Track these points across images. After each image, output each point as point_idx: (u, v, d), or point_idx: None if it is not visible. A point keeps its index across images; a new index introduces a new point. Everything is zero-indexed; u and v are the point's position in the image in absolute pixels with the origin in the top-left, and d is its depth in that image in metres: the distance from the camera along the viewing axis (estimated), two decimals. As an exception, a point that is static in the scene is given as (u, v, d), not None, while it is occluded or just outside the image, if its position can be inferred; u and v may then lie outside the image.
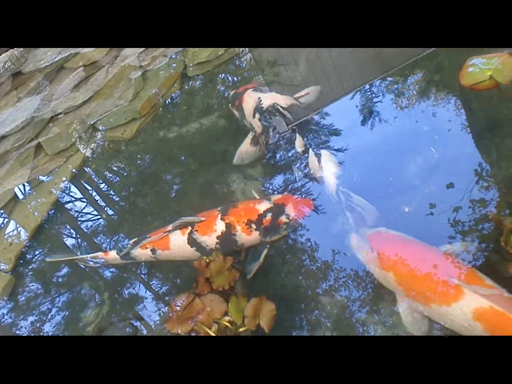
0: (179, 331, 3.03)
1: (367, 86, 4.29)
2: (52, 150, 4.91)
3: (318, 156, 3.78)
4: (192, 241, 3.46)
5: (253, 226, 3.41)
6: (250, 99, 4.22)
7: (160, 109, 5.04)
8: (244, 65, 5.19)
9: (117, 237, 4.16)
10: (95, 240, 4.25)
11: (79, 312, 3.75)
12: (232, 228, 3.42)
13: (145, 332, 3.30)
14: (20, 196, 4.68)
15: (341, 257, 3.28)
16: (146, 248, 3.58)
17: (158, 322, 3.32)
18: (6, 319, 3.92)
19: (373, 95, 4.20)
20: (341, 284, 3.15)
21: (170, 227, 3.56)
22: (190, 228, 3.47)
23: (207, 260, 3.20)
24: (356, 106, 4.16)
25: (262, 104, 4.11)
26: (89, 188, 4.75)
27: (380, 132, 3.93)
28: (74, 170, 4.76)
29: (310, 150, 3.87)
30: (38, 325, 3.83)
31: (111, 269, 3.88)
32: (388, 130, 3.92)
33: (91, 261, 3.83)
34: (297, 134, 3.99)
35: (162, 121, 4.87)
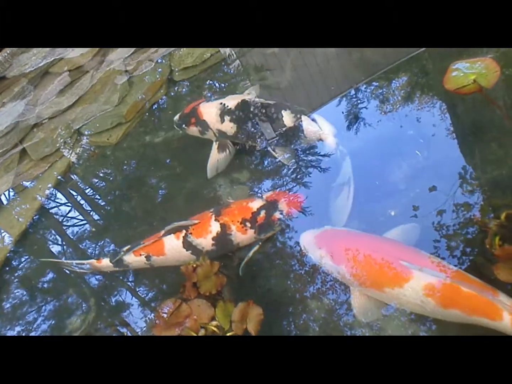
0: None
1: (352, 91, 4.34)
2: (37, 156, 4.90)
3: (313, 119, 3.98)
4: (187, 245, 3.48)
5: (248, 224, 3.46)
6: (210, 109, 4.17)
7: (146, 114, 5.06)
8: (231, 71, 5.20)
9: (103, 242, 4.17)
10: (81, 246, 4.25)
11: (65, 318, 3.75)
12: (227, 228, 3.45)
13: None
14: (4, 202, 4.66)
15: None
16: (141, 255, 3.56)
17: (145, 328, 3.33)
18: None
19: (358, 100, 4.24)
20: (328, 287, 3.17)
21: (161, 233, 3.57)
22: (184, 231, 3.48)
23: (194, 265, 3.21)
24: (342, 112, 4.20)
25: (228, 106, 4.09)
26: (75, 193, 4.76)
27: (365, 136, 3.98)
28: (59, 176, 4.76)
29: (304, 116, 3.98)
30: (23, 333, 3.81)
31: (97, 276, 3.87)
32: (372, 135, 3.97)
33: (80, 267, 3.83)
34: (286, 110, 4.03)
35: (148, 126, 4.90)
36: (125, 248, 3.64)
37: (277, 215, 3.49)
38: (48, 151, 4.91)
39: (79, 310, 3.76)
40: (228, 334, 2.96)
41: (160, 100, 5.15)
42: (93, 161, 4.83)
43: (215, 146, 4.12)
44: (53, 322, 3.80)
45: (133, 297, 3.65)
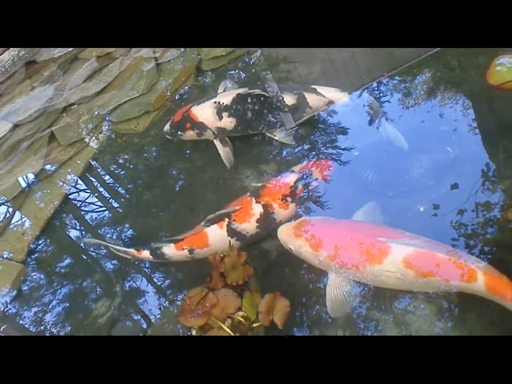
0: (193, 325, 3.08)
1: (375, 84, 4.37)
2: (66, 141, 4.97)
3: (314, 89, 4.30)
4: (232, 232, 3.56)
5: (289, 199, 3.63)
6: (204, 110, 4.32)
7: (173, 102, 5.08)
8: (252, 61, 5.23)
9: (123, 228, 4.23)
10: (102, 232, 4.32)
11: (91, 303, 3.81)
12: (269, 207, 3.60)
13: (158, 325, 3.34)
14: (32, 186, 4.73)
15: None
16: (183, 249, 3.61)
17: (171, 315, 3.37)
18: (15, 309, 3.99)
19: (382, 94, 4.27)
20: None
21: (202, 224, 3.64)
22: (226, 219, 3.55)
23: (222, 255, 3.25)
24: (364, 105, 4.23)
25: (223, 103, 4.23)
26: (101, 179, 4.82)
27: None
28: (86, 161, 4.82)
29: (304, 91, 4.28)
30: (48, 317, 3.90)
31: (124, 262, 3.93)
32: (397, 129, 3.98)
33: (124, 254, 3.86)
34: (284, 92, 4.28)
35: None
36: (163, 241, 3.70)
37: (313, 183, 3.70)
38: (77, 137, 4.98)
39: (104, 296, 3.82)
40: (254, 325, 3.01)
41: (187, 89, 5.17)
42: (120, 148, 4.88)
43: (218, 142, 4.31)
44: (79, 306, 3.87)
45: (160, 284, 3.70)
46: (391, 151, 3.85)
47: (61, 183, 4.73)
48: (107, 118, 5.12)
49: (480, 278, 2.77)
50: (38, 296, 4.05)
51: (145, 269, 3.87)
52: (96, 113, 5.12)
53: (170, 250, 3.65)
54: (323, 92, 4.27)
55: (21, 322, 3.92)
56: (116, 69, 5.42)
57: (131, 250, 3.78)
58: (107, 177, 4.84)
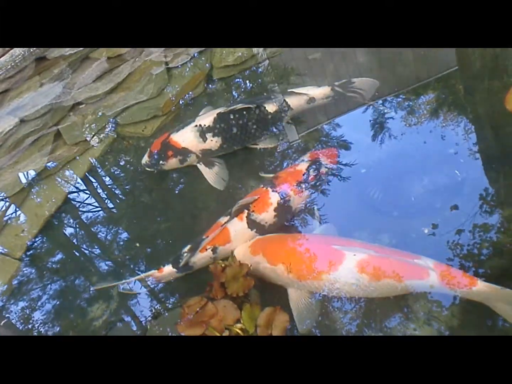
0: (190, 334, 3.07)
1: (380, 101, 4.44)
2: (71, 140, 4.99)
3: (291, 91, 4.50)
4: (252, 223, 3.65)
5: (303, 186, 3.81)
6: (185, 135, 4.36)
7: (182, 108, 5.10)
8: (259, 70, 5.27)
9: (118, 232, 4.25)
10: (103, 234, 4.32)
11: (87, 306, 3.80)
12: (286, 195, 3.73)
13: (154, 332, 3.33)
14: (34, 184, 4.74)
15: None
16: (206, 249, 3.61)
17: (169, 323, 3.36)
18: (9, 305, 3.98)
19: (386, 111, 4.34)
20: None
21: (223, 220, 3.67)
22: (246, 211, 3.63)
23: (223, 265, 3.25)
24: (369, 120, 4.31)
25: (205, 125, 4.30)
26: (103, 181, 4.82)
27: (389, 149, 4.10)
28: (90, 162, 4.83)
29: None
30: (39, 316, 3.91)
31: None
32: (397, 148, 4.08)
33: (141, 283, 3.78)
34: (265, 102, 4.42)
35: (183, 120, 4.91)
36: (186, 249, 3.66)
37: (323, 169, 3.89)
38: (82, 137, 5.01)
39: (101, 298, 3.81)
40: (252, 338, 3.00)
41: (197, 96, 5.19)
42: (126, 151, 4.89)
43: (202, 166, 4.34)
44: (74, 307, 3.87)
45: (159, 291, 3.69)
46: (398, 170, 3.90)
47: (64, 182, 4.75)
48: (114, 120, 5.13)
49: (431, 273, 2.94)
50: (31, 294, 4.06)
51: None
52: (103, 114, 5.13)
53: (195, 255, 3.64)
54: (302, 91, 4.45)
55: (11, 318, 3.90)
56: (126, 71, 5.45)
57: (152, 272, 3.70)
58: (108, 179, 4.83)
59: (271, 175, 4.01)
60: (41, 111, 5.00)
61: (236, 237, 3.63)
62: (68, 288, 4.05)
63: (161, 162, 4.37)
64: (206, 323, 3.09)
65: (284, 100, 4.43)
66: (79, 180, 4.78)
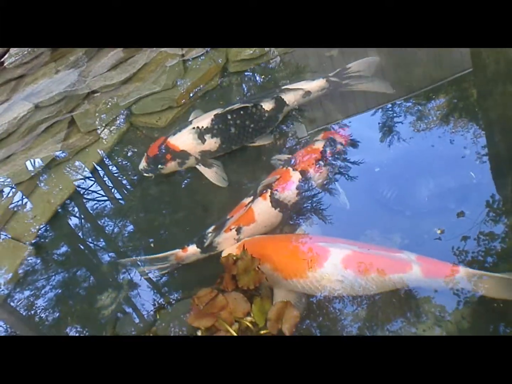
0: (199, 326, 3.08)
1: (389, 105, 4.44)
2: (85, 128, 5.03)
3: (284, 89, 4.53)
4: (275, 202, 3.74)
5: (321, 163, 3.92)
6: (183, 138, 4.36)
7: (197, 100, 5.12)
8: (270, 66, 5.28)
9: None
10: (113, 224, 4.35)
11: (96, 294, 3.83)
12: (306, 173, 3.86)
13: (163, 324, 3.34)
14: (47, 170, 4.77)
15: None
16: (231, 229, 3.68)
17: (178, 313, 3.36)
18: (20, 292, 4.02)
19: (395, 114, 4.35)
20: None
21: (247, 201, 3.75)
22: (269, 190, 3.72)
23: (235, 258, 3.26)
24: (378, 122, 4.32)
25: (202, 127, 4.32)
26: (114, 170, 4.85)
27: (399, 152, 4.08)
28: (103, 150, 4.86)
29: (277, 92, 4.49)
30: (51, 304, 3.94)
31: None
32: (405, 149, 4.07)
33: (162, 262, 3.77)
34: (261, 100, 4.42)
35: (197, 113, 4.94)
36: (210, 229, 3.70)
37: (339, 146, 4.04)
38: (96, 125, 5.04)
39: (110, 287, 3.83)
40: (262, 332, 3.01)
41: (212, 89, 5.20)
42: (139, 141, 4.92)
43: (202, 167, 4.35)
44: (84, 295, 3.90)
45: (168, 281, 3.71)
46: (412, 170, 3.90)
47: (76, 170, 4.76)
48: (128, 110, 5.17)
49: (414, 266, 3.02)
50: (39, 280, 4.09)
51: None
52: (117, 103, 5.16)
53: (219, 234, 3.70)
54: (297, 86, 4.51)
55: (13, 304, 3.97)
56: (141, 62, 5.48)
57: (175, 251, 3.73)
58: (120, 169, 4.85)
59: (286, 156, 4.12)
60: (55, 98, 5.05)
61: (260, 217, 3.71)
62: (77, 276, 4.07)
63: (159, 166, 4.37)
64: (216, 315, 3.09)
65: (280, 97, 4.47)
66: (91, 169, 4.81)
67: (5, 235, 4.31)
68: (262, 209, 3.72)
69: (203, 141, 4.30)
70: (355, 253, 3.14)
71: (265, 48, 5.34)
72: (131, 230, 4.30)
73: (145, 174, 4.45)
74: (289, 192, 3.78)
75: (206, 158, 4.36)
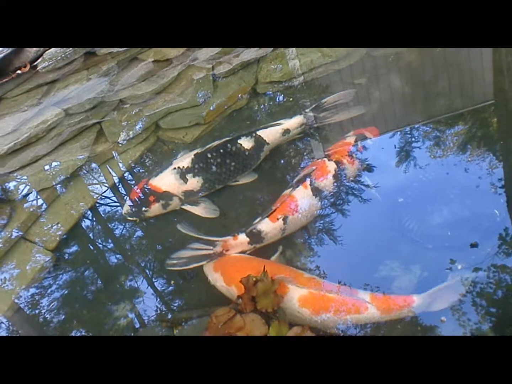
0: (216, 344, 3.12)
1: (408, 129, 4.58)
2: (113, 138, 5.16)
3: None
4: (315, 191, 3.98)
5: (354, 155, 4.23)
6: (166, 179, 4.37)
7: (224, 119, 5.20)
8: (307, 91, 5.37)
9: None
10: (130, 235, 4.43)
11: (113, 304, 3.89)
12: (341, 163, 4.15)
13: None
14: (73, 178, 4.86)
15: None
16: (277, 219, 3.82)
17: (195, 330, 3.40)
18: (38, 297, 4.08)
19: (413, 139, 4.45)
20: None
21: (288, 192, 3.94)
22: (308, 180, 3.98)
23: (255, 279, 3.30)
24: (395, 146, 4.42)
25: (183, 167, 4.36)
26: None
27: (433, 179, 4.11)
28: (128, 161, 4.96)
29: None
30: (66, 310, 3.98)
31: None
32: (437, 178, 4.09)
33: (208, 248, 3.87)
34: (240, 138, 4.52)
35: (224, 131, 5.05)
36: (258, 220, 3.85)
37: (369, 141, 4.37)
38: (124, 136, 5.14)
39: (127, 299, 3.89)
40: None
41: (240, 108, 5.29)
42: (164, 156, 5.01)
43: (188, 206, 4.35)
44: (100, 304, 3.96)
45: (187, 297, 3.75)
46: (438, 202, 3.91)
47: (100, 180, 4.85)
48: (156, 123, 5.28)
49: (370, 307, 3.16)
50: (57, 287, 4.14)
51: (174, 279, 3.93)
52: (146, 116, 5.28)
53: (265, 225, 3.82)
54: (275, 124, 4.63)
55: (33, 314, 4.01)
56: (170, 75, 5.57)
57: (225, 238, 3.85)
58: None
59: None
60: (86, 106, 5.18)
61: (303, 206, 3.89)
62: (94, 285, 4.14)
63: (143, 209, 4.35)
64: (233, 335, 3.13)
65: (259, 135, 4.55)
66: (115, 179, 4.89)
67: (28, 240, 4.37)
68: (304, 198, 3.92)
69: (185, 181, 4.34)
70: (312, 294, 3.28)
71: (295, 71, 5.42)
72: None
73: (129, 218, 4.42)
74: (326, 181, 4.04)
75: (190, 198, 4.38)
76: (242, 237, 3.81)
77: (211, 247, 3.85)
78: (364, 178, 4.15)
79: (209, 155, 4.39)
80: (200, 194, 4.40)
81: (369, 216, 3.96)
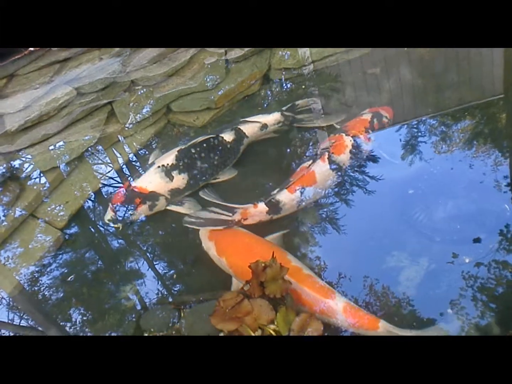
0: (223, 328, 3.15)
1: (415, 122, 4.62)
2: (124, 119, 5.20)
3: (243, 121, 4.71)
4: (332, 163, 4.12)
5: (370, 131, 4.40)
6: (151, 179, 4.30)
7: (235, 104, 5.21)
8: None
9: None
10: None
11: (120, 285, 3.93)
12: (358, 138, 4.31)
13: (188, 321, 3.41)
14: (83, 157, 4.90)
15: (392, 288, 3.43)
16: (295, 190, 3.92)
17: (203, 313, 3.42)
18: (47, 276, 4.12)
19: (420, 132, 4.49)
20: (393, 312, 3.29)
21: (307, 164, 4.07)
22: (327, 153, 4.12)
23: (264, 265, 3.32)
24: (400, 139, 4.47)
25: (168, 164, 4.31)
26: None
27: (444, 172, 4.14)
28: (139, 143, 5.00)
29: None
30: (69, 291, 4.01)
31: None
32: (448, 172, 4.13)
33: (227, 213, 3.91)
34: (222, 132, 4.55)
35: (235, 116, 5.08)
36: (276, 191, 3.94)
37: (385, 119, 4.53)
38: (135, 118, 5.19)
39: (135, 280, 3.92)
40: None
41: (252, 94, 5.31)
42: (175, 138, 5.05)
43: (174, 206, 4.31)
44: (107, 285, 4.01)
45: (195, 280, 3.79)
46: (447, 195, 3.94)
47: (110, 160, 4.87)
48: (167, 106, 5.31)
49: (339, 315, 3.20)
50: (65, 266, 4.18)
51: (181, 263, 3.97)
52: (158, 98, 5.32)
53: (284, 195, 3.92)
54: (254, 119, 4.70)
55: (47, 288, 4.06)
56: (182, 58, 5.55)
57: (245, 206, 3.92)
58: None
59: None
60: (97, 85, 5.20)
61: (321, 177, 4.03)
62: (102, 265, 4.20)
63: (130, 213, 4.27)
64: (240, 319, 3.16)
65: (240, 129, 4.60)
66: (125, 161, 4.95)
67: (36, 217, 4.41)
68: (322, 170, 4.06)
69: (171, 178, 4.29)
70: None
71: (307, 59, 5.43)
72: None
73: (113, 225, 4.30)
74: (343, 155, 4.17)
75: (176, 198, 4.35)
76: (262, 206, 3.88)
77: (231, 214, 3.89)
78: (380, 152, 4.29)
79: (193, 150, 4.38)
80: (186, 192, 4.36)
81: (378, 206, 3.99)
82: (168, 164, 4.31)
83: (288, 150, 4.72)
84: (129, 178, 4.45)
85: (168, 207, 4.31)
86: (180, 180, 4.32)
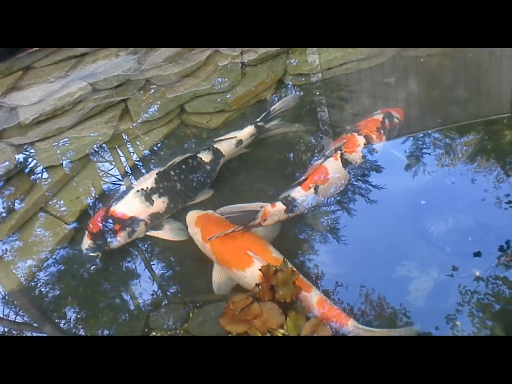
0: (232, 330, 3.16)
1: (421, 135, 4.66)
2: (137, 117, 5.23)
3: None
4: (344, 162, 4.19)
5: (382, 131, 4.46)
6: (129, 204, 4.12)
7: (250, 108, 5.25)
8: (335, 86, 5.40)
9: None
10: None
11: (131, 285, 3.98)
12: (370, 138, 4.39)
13: (196, 322, 3.42)
14: (95, 153, 4.94)
15: (401, 300, 3.43)
16: (309, 187, 3.99)
17: (211, 315, 3.43)
18: (51, 272, 4.16)
19: (424, 145, 4.53)
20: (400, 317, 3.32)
21: (319, 162, 4.12)
22: (339, 151, 4.21)
23: (275, 269, 3.33)
24: (405, 151, 4.51)
25: (147, 188, 4.17)
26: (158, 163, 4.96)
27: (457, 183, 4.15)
28: (152, 142, 5.04)
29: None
30: (74, 289, 4.05)
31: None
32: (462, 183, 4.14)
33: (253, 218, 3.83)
34: (200, 152, 4.48)
35: (248, 119, 5.07)
36: (289, 189, 3.99)
37: (396, 120, 4.60)
38: (149, 117, 5.22)
39: (145, 279, 3.98)
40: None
41: (267, 98, 5.33)
42: (187, 139, 5.08)
43: (154, 232, 4.21)
44: (119, 282, 4.05)
45: (206, 282, 3.80)
46: (460, 207, 3.95)
47: (122, 158, 4.89)
48: (181, 106, 5.35)
49: (313, 309, 3.30)
50: (73, 263, 4.21)
51: (194, 265, 4.01)
52: (172, 98, 5.33)
53: (298, 193, 3.96)
54: (229, 136, 4.64)
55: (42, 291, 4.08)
56: (197, 58, 5.57)
57: (264, 204, 3.89)
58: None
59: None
60: (113, 82, 5.22)
61: (333, 175, 4.09)
62: (111, 264, 4.20)
63: (109, 240, 4.08)
64: (249, 322, 3.17)
65: (216, 148, 4.53)
66: (137, 158, 4.96)
67: (47, 212, 4.43)
68: (334, 168, 4.11)
69: (151, 202, 4.15)
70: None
71: (324, 66, 5.47)
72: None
73: (90, 254, 4.10)
74: (356, 154, 4.25)
75: (155, 222, 4.23)
76: (279, 205, 3.89)
77: (255, 219, 3.80)
78: (392, 151, 4.45)
79: (173, 172, 4.28)
80: (165, 216, 4.27)
81: (389, 216, 4.01)
82: (147, 188, 4.17)
83: (292, 155, 4.78)
84: (111, 202, 4.23)
85: (148, 233, 4.21)
86: (160, 204, 4.19)
